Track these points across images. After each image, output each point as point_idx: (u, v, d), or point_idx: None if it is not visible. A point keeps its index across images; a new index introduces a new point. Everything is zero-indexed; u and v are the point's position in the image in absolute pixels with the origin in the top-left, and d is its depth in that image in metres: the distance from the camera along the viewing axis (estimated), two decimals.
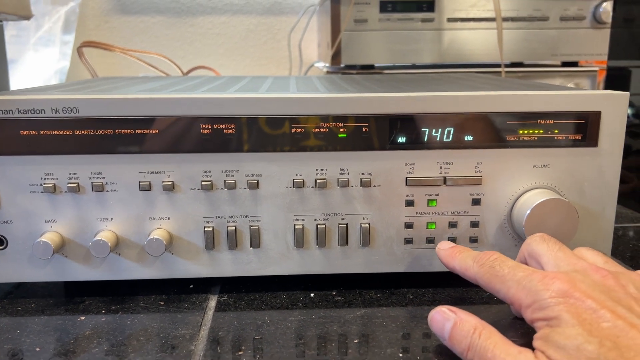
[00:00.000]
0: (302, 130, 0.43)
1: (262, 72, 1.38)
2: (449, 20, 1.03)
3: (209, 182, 0.43)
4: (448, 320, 0.34)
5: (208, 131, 0.42)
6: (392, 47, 1.04)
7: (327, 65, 1.09)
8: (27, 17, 0.81)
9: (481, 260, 0.36)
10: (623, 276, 0.31)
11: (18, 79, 1.20)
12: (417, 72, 1.02)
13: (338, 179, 0.44)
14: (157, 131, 0.42)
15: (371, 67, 1.05)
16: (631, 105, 1.20)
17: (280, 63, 1.39)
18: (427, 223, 0.45)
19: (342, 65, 1.03)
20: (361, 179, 0.44)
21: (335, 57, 1.02)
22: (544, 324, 0.29)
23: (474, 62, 1.07)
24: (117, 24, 1.33)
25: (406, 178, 0.44)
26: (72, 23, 1.27)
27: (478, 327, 0.32)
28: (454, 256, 0.39)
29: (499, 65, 1.04)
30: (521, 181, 0.44)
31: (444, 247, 0.41)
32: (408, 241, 0.45)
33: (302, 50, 1.32)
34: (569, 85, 1.04)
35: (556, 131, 0.44)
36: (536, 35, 1.06)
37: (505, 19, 1.03)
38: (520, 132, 0.44)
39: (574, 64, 1.10)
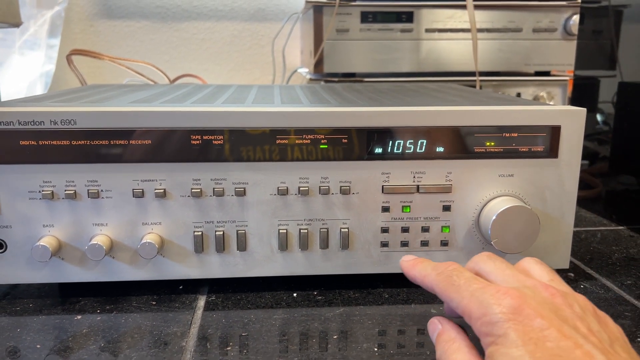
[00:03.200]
0: (286, 141, 0.46)
1: (247, 77, 1.40)
2: (427, 30, 1.07)
3: (199, 190, 0.46)
4: (435, 330, 0.37)
5: (198, 142, 0.45)
6: (373, 56, 1.07)
7: (310, 72, 1.12)
8: (17, 24, 0.83)
9: (439, 269, 0.37)
10: (569, 296, 0.32)
11: (3, 83, 1.21)
12: (396, 81, 1.05)
13: (319, 186, 0.47)
14: (149, 142, 0.45)
15: (352, 75, 1.09)
16: (600, 112, 1.26)
17: (264, 68, 1.41)
18: (402, 227, 0.48)
19: (324, 73, 1.07)
20: (341, 187, 0.47)
21: (318, 65, 1.05)
22: (491, 341, 0.30)
23: (451, 71, 1.11)
24: (102, 28, 1.35)
25: (382, 186, 0.47)
26: (58, 27, 1.29)
27: (454, 339, 0.34)
28: (415, 265, 0.40)
29: (474, 74, 1.08)
30: (488, 189, 0.48)
31: (407, 259, 0.42)
32: (384, 244, 0.49)
33: (285, 57, 1.35)
34: (542, 93, 1.09)
35: (520, 143, 0.48)
36: (510, 46, 1.10)
37: (481, 30, 1.07)
38: (487, 144, 0.47)
39: (546, 73, 1.15)
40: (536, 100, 1.10)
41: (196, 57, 1.39)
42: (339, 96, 0.59)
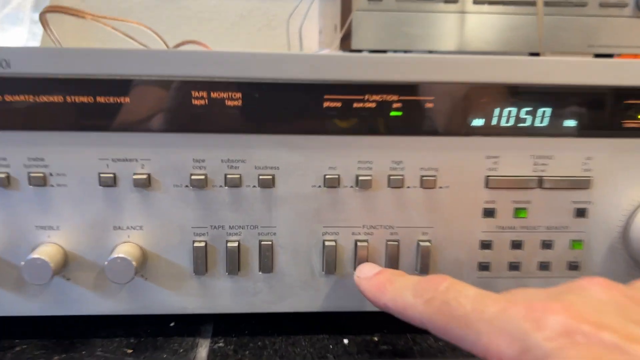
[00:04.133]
0: (339, 104, 0.29)
1: None
2: (475, 2, 0.90)
3: (203, 177, 0.29)
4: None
5: (203, 102, 0.29)
6: (409, 30, 0.90)
7: (335, 49, 0.95)
8: None
9: (426, 293, 0.24)
10: (627, 286, 0.22)
11: None
12: None
13: (389, 176, 0.30)
14: (127, 99, 0.28)
15: (383, 52, 0.92)
16: None
17: (280, 48, 1.25)
18: (512, 242, 0.32)
19: (351, 50, 0.90)
20: (422, 176, 0.30)
21: (345, 40, 0.88)
22: None
23: (502, 51, 0.94)
24: (95, 2, 1.18)
25: (486, 177, 0.31)
26: (44, 0, 1.13)
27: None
28: (383, 288, 0.27)
29: (534, 55, 0.91)
30: None
31: (366, 274, 0.29)
32: (484, 267, 0.32)
33: (302, 38, 1.18)
34: None
35: None
36: (571, 22, 0.93)
37: (534, 4, 0.90)
38: None
39: (609, 56, 0.97)
40: None
41: (199, 37, 1.22)
42: None
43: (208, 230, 0.30)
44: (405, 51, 0.94)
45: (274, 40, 1.26)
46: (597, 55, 0.97)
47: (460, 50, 0.92)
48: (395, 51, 0.93)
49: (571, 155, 0.31)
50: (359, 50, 0.90)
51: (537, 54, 0.92)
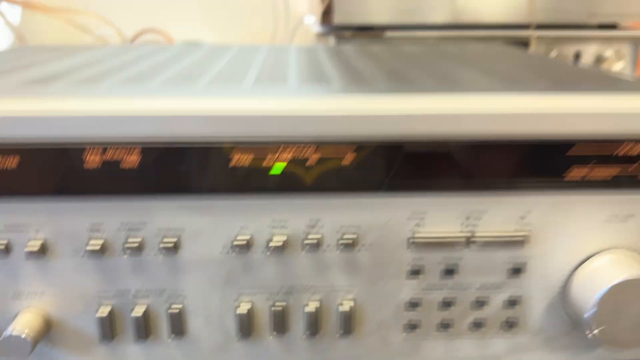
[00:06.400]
0: (249, 160, 0.27)
1: (239, 31, 1.18)
2: None
3: (99, 245, 0.27)
4: None
5: (95, 165, 0.26)
6: (397, 3, 0.86)
7: (317, 23, 0.91)
8: None
9: None
10: None
11: None
12: (426, 37, 0.84)
13: (306, 237, 0.28)
14: (17, 161, 0.26)
15: (370, 28, 0.87)
16: None
17: (263, 19, 1.19)
18: (441, 301, 0.30)
19: (334, 25, 0.85)
20: (342, 237, 0.28)
21: (327, 15, 0.84)
22: None
23: (495, 23, 0.89)
24: None
25: (410, 237, 0.28)
26: None
27: None
28: None
29: (524, 27, 0.86)
30: (587, 241, 0.29)
31: None
32: (411, 327, 0.30)
33: (289, 2, 1.12)
34: (607, 53, 0.87)
35: None
36: None
37: None
38: (589, 168, 0.28)
39: (613, 26, 0.92)
40: (599, 62, 0.88)
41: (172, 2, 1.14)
42: (346, 69, 0.39)
43: (114, 296, 0.29)
44: (393, 25, 0.89)
45: (258, 7, 1.17)
46: (601, 26, 0.91)
47: (453, 23, 0.87)
48: (381, 26, 0.88)
49: (506, 210, 0.28)
50: (344, 27, 0.86)
51: (545, 26, 0.86)
